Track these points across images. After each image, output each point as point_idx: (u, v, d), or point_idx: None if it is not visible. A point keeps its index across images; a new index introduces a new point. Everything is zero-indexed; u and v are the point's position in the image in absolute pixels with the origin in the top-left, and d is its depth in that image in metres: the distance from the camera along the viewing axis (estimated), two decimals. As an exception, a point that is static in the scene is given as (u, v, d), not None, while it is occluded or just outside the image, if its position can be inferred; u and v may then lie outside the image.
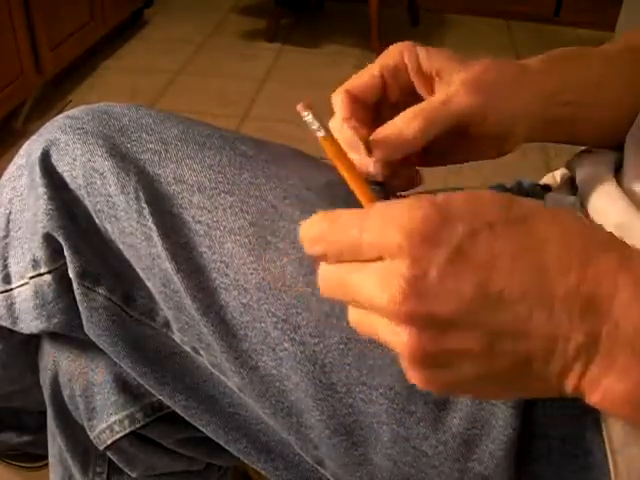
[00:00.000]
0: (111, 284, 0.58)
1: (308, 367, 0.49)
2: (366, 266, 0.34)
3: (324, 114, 0.47)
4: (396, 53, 0.53)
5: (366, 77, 0.54)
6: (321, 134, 0.44)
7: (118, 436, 0.65)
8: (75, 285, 0.58)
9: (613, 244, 0.34)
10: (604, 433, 0.46)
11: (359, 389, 0.49)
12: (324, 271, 0.36)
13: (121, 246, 0.57)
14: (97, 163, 0.56)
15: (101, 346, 0.59)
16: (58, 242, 0.59)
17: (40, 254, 0.60)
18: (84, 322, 0.59)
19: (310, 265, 0.49)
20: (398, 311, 0.32)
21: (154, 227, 0.53)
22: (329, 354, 0.49)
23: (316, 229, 0.36)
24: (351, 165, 0.43)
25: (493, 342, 0.33)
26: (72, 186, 0.58)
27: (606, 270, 0.33)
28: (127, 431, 0.64)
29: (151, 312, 0.57)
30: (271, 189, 0.53)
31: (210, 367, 0.56)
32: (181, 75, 2.60)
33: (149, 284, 0.56)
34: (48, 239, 0.59)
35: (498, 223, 0.33)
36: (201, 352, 0.56)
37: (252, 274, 0.51)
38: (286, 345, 0.50)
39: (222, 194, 0.53)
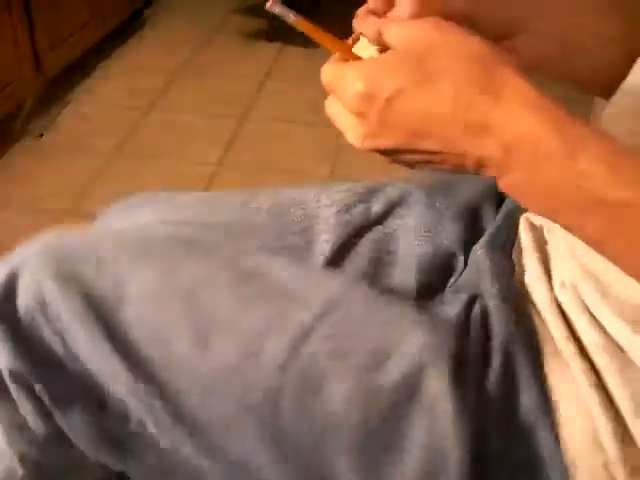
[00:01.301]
0: (83, 400, 0.60)
1: (268, 443, 0.55)
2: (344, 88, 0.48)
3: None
4: None
5: None
6: (294, 18, 0.53)
7: None
8: (53, 411, 0.61)
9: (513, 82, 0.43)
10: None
11: (319, 456, 0.54)
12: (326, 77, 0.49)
13: (87, 365, 0.59)
14: (47, 287, 0.59)
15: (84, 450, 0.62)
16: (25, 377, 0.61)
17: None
18: (71, 437, 0.62)
19: (254, 350, 0.54)
20: (356, 112, 0.46)
21: (107, 343, 0.57)
22: (286, 425, 0.54)
23: (325, 77, 0.49)
24: (324, 35, 0.53)
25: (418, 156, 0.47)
26: (26, 316, 0.59)
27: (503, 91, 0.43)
28: None
29: (125, 414, 0.60)
30: (206, 282, 0.58)
31: (187, 461, 0.59)
32: (181, 75, 2.61)
33: (117, 390, 0.59)
34: (15, 375, 0.61)
35: (411, 83, 0.45)
36: (178, 446, 0.58)
37: (201, 367, 0.55)
38: (247, 425, 0.55)
39: (162, 298, 0.58)
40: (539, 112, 0.42)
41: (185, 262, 0.59)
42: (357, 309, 0.56)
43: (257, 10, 3.21)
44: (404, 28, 0.48)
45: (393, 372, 0.53)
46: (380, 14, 0.53)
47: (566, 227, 0.44)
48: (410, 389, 0.52)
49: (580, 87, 0.60)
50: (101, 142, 2.14)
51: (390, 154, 0.48)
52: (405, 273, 0.70)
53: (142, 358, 0.56)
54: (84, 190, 1.93)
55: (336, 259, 0.71)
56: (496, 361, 0.53)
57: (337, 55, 0.52)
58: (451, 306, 0.58)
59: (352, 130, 0.47)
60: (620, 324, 0.50)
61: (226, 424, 0.56)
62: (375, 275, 0.71)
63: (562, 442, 0.50)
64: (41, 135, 2.16)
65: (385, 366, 0.53)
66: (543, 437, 0.51)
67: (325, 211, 0.73)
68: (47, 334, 0.59)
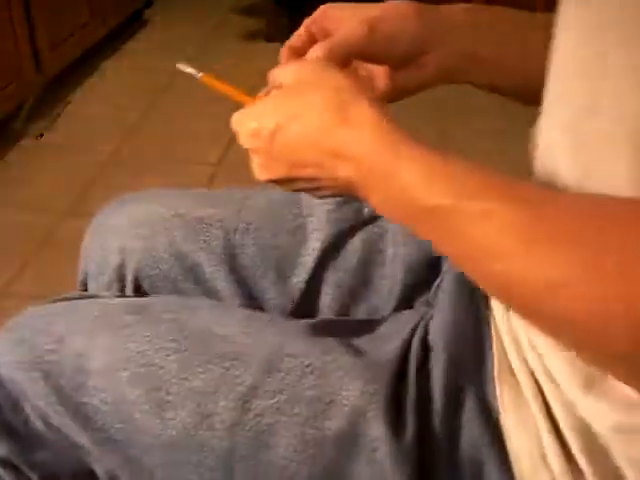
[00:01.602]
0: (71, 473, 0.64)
1: None
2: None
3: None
4: (317, 11, 0.65)
5: (296, 34, 0.65)
6: (201, 75, 0.62)
7: None
8: None
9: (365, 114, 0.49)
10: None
11: None
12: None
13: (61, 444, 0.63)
14: (18, 376, 0.62)
15: None
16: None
17: None
18: None
19: (206, 411, 0.57)
20: (249, 145, 0.55)
21: (72, 424, 0.60)
22: None
23: (232, 123, 0.56)
24: (229, 87, 0.62)
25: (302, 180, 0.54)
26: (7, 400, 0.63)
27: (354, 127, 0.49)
28: None
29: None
30: (155, 351, 0.60)
31: None
32: (180, 75, 2.60)
33: (96, 467, 0.63)
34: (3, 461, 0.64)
35: (286, 117, 0.52)
36: None
37: (161, 435, 0.58)
38: None
39: (116, 372, 0.60)
40: (382, 137, 0.48)
41: (136, 332, 0.62)
42: (296, 362, 0.58)
43: (256, 10, 3.22)
44: (286, 69, 0.56)
45: (335, 421, 0.55)
46: (300, 53, 0.61)
47: (414, 234, 0.50)
48: (352, 436, 0.54)
49: (510, 96, 0.67)
50: (101, 142, 2.14)
51: (284, 184, 0.55)
52: (393, 272, 0.71)
53: (104, 428, 0.60)
54: (84, 190, 1.93)
55: (326, 258, 0.72)
56: (438, 399, 0.54)
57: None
58: (390, 343, 0.59)
59: (253, 164, 0.55)
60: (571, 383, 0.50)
61: None
62: (364, 274, 0.72)
63: (513, 473, 0.51)
64: (41, 135, 2.17)
65: (327, 416, 0.55)
66: (492, 471, 0.52)
67: (318, 209, 0.74)
68: (29, 415, 0.63)
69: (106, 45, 2.70)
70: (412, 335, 0.59)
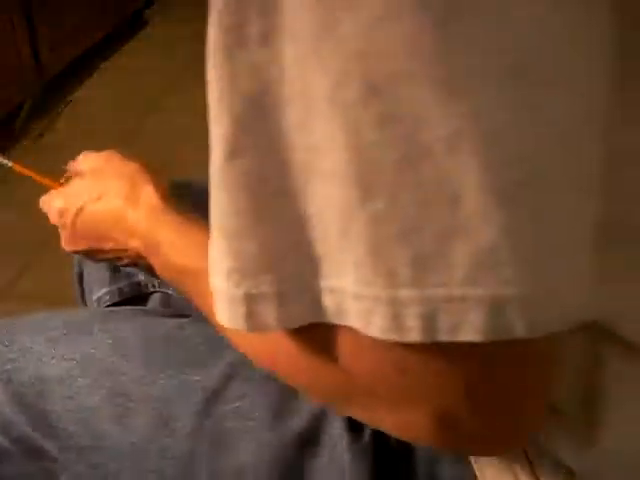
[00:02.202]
0: None
1: None
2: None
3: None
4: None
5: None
6: (10, 164, 0.75)
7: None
8: None
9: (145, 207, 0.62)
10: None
11: None
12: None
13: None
14: None
15: None
16: None
17: None
18: None
19: (167, 416, 0.58)
20: (57, 223, 0.67)
21: (35, 432, 0.60)
22: None
23: (41, 203, 0.69)
24: (36, 174, 0.73)
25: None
26: None
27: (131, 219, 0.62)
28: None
29: None
30: (118, 358, 0.62)
31: None
32: (181, 75, 2.60)
33: (62, 478, 0.63)
34: None
35: (84, 205, 0.65)
36: None
37: (122, 441, 0.59)
38: None
39: (78, 379, 0.61)
40: (156, 216, 0.60)
41: (98, 339, 0.63)
42: (257, 371, 0.58)
43: (257, 10, 3.21)
44: (86, 159, 0.70)
45: (296, 422, 0.55)
46: None
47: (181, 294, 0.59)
48: (314, 435, 0.55)
49: None
50: (101, 142, 2.14)
51: (88, 254, 0.67)
52: None
53: (67, 435, 0.60)
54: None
55: None
56: None
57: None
58: None
59: (61, 238, 0.67)
60: None
61: None
62: None
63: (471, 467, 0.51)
64: (41, 135, 2.17)
65: (288, 418, 0.56)
66: (446, 467, 0.52)
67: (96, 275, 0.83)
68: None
69: (106, 45, 2.70)
70: None
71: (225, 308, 0.36)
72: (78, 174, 0.69)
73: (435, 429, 0.36)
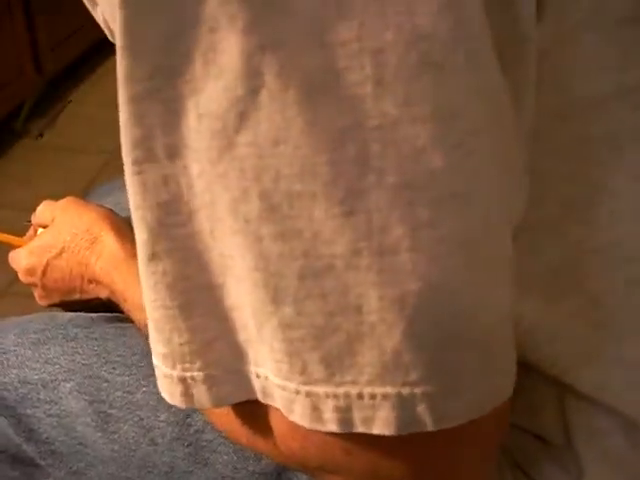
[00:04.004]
0: None
1: None
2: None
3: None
4: None
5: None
6: None
7: None
8: None
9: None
10: None
11: None
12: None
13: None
14: None
15: None
16: None
17: None
18: None
19: (148, 425, 0.58)
20: (27, 282, 0.70)
21: (16, 437, 0.60)
22: None
23: (10, 261, 0.71)
24: (4, 236, 0.78)
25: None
26: None
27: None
28: None
29: None
30: (102, 364, 0.62)
31: None
32: (181, 75, 2.60)
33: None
34: None
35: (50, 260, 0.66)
36: None
37: (104, 449, 0.59)
38: None
39: (62, 383, 0.61)
40: (119, 265, 0.62)
41: (83, 344, 0.63)
42: None
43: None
44: (44, 210, 0.71)
45: None
46: None
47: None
48: None
49: None
50: (101, 142, 2.14)
51: (62, 306, 0.68)
52: None
53: (49, 441, 0.60)
54: (84, 190, 1.93)
55: None
56: None
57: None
58: None
59: (35, 294, 0.69)
60: None
61: None
62: None
63: None
64: (41, 135, 2.17)
65: None
66: None
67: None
68: None
69: (106, 45, 2.69)
70: None
71: (165, 385, 0.38)
72: (41, 225, 0.71)
73: None
